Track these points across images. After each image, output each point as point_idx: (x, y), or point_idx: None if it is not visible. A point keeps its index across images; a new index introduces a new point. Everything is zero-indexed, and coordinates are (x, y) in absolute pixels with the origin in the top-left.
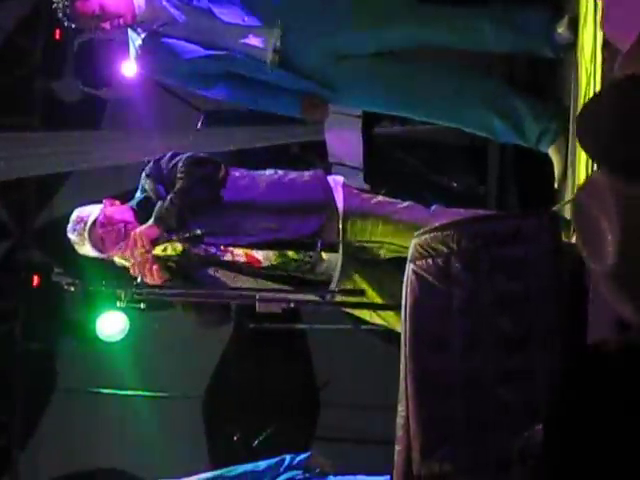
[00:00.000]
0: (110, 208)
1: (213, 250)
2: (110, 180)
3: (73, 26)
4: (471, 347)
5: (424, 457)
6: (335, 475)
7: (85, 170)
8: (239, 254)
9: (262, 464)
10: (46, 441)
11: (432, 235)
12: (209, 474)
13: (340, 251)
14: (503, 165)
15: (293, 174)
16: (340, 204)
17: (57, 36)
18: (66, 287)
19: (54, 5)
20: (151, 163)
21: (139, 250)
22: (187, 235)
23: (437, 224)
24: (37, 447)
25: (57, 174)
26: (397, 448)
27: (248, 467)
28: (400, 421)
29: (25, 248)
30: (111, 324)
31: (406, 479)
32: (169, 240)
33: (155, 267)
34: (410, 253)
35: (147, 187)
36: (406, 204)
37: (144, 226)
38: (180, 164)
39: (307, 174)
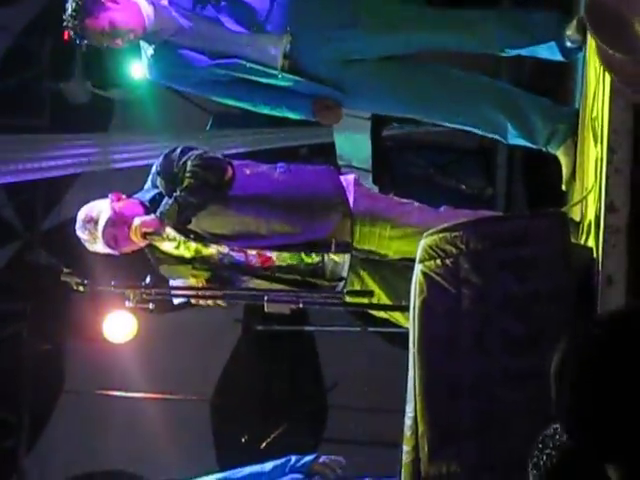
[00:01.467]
0: (118, 203)
1: (226, 251)
2: (118, 181)
3: (85, 42)
4: (480, 348)
5: (432, 457)
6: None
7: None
8: (252, 253)
9: (268, 465)
10: (53, 443)
11: (441, 236)
12: (217, 475)
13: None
14: (511, 167)
15: (304, 169)
16: (351, 203)
17: (66, 37)
18: (75, 287)
19: (64, 23)
20: (161, 158)
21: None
22: (187, 234)
23: (446, 225)
24: (44, 449)
25: (65, 176)
26: (405, 449)
27: (254, 469)
28: (408, 422)
29: (33, 249)
30: (119, 325)
31: None
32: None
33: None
34: (419, 254)
35: (158, 184)
36: (415, 205)
37: (147, 217)
38: (189, 162)
39: (319, 168)
